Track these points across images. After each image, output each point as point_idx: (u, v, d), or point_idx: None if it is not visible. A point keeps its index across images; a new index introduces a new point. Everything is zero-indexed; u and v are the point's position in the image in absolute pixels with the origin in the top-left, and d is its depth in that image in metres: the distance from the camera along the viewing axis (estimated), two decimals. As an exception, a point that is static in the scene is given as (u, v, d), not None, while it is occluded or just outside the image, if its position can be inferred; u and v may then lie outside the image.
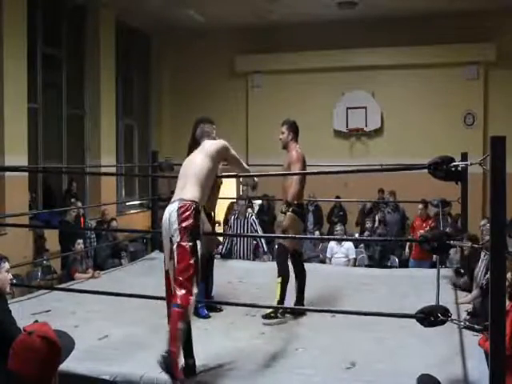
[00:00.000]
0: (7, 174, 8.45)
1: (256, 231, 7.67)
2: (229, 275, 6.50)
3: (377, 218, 10.11)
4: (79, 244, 7.22)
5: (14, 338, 1.80)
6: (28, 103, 9.06)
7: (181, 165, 3.88)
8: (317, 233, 10.36)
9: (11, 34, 8.54)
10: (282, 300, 4.96)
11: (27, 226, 8.39)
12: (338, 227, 8.92)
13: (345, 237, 9.50)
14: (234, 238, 7.81)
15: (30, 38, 9.10)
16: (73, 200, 9.37)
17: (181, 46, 13.34)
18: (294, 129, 5.27)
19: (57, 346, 1.70)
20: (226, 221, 10.19)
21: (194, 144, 4.14)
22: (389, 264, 9.19)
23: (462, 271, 6.20)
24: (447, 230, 6.98)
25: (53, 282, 7.86)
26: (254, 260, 7.96)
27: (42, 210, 9.44)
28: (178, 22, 12.36)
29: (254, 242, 8.10)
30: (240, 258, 7.67)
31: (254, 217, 8.11)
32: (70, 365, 3.60)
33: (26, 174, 8.99)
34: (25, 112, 8.94)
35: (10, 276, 3.43)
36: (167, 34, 13.20)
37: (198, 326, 4.62)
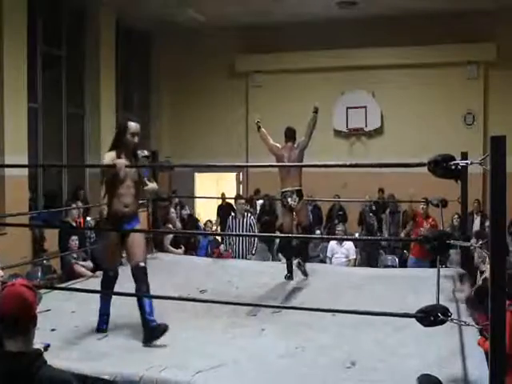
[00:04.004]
0: (7, 174, 8.45)
1: (254, 232, 7.77)
2: (229, 274, 6.52)
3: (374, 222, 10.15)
4: (73, 241, 7.28)
5: None
6: (28, 103, 9.06)
7: (181, 165, 3.91)
8: (317, 232, 10.33)
9: (11, 33, 8.54)
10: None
11: (27, 226, 8.38)
12: (339, 227, 8.90)
13: (345, 237, 9.49)
14: (233, 238, 7.84)
15: (30, 37, 9.10)
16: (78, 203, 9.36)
17: (181, 45, 13.33)
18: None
19: (34, 291, 2.21)
20: (222, 220, 10.21)
21: (123, 141, 4.37)
22: (389, 264, 9.19)
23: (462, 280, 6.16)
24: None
25: (53, 281, 7.85)
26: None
27: (42, 210, 9.44)
28: (177, 22, 12.36)
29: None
30: (239, 257, 7.69)
31: (252, 217, 8.12)
32: (70, 365, 3.62)
33: (26, 174, 8.98)
34: (25, 111, 8.93)
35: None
36: (167, 34, 13.19)
37: (197, 325, 4.63)
